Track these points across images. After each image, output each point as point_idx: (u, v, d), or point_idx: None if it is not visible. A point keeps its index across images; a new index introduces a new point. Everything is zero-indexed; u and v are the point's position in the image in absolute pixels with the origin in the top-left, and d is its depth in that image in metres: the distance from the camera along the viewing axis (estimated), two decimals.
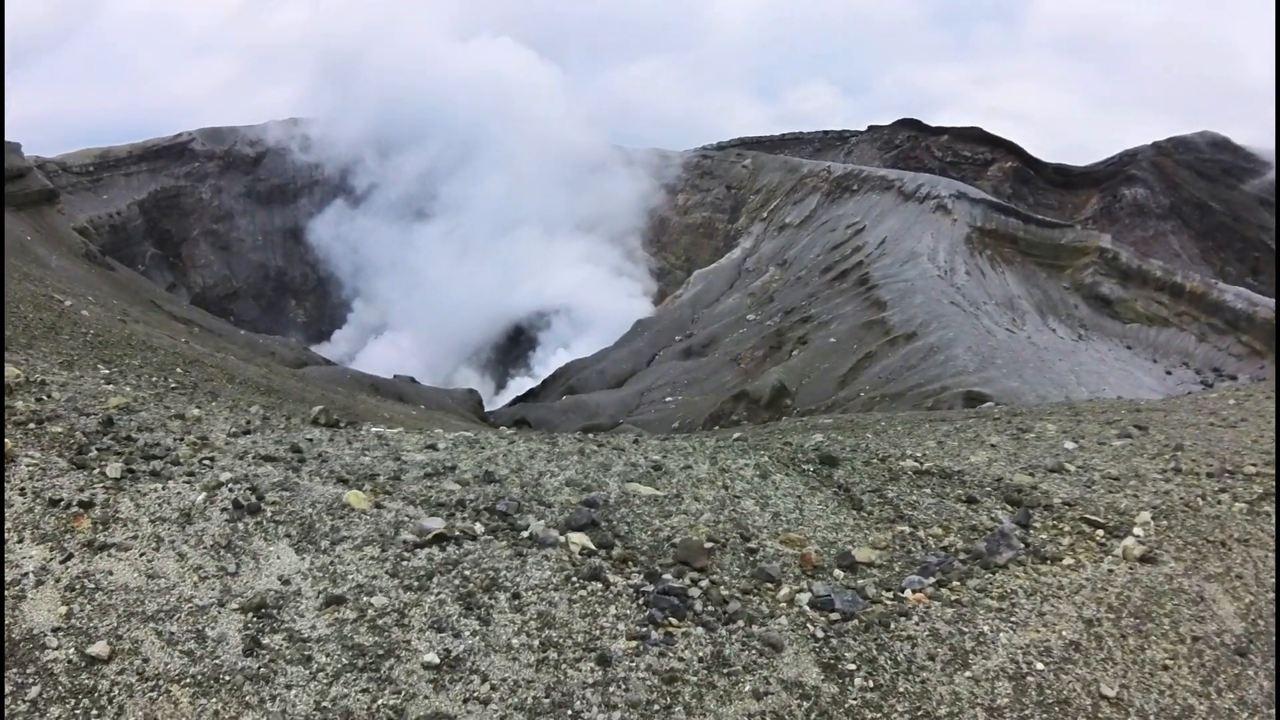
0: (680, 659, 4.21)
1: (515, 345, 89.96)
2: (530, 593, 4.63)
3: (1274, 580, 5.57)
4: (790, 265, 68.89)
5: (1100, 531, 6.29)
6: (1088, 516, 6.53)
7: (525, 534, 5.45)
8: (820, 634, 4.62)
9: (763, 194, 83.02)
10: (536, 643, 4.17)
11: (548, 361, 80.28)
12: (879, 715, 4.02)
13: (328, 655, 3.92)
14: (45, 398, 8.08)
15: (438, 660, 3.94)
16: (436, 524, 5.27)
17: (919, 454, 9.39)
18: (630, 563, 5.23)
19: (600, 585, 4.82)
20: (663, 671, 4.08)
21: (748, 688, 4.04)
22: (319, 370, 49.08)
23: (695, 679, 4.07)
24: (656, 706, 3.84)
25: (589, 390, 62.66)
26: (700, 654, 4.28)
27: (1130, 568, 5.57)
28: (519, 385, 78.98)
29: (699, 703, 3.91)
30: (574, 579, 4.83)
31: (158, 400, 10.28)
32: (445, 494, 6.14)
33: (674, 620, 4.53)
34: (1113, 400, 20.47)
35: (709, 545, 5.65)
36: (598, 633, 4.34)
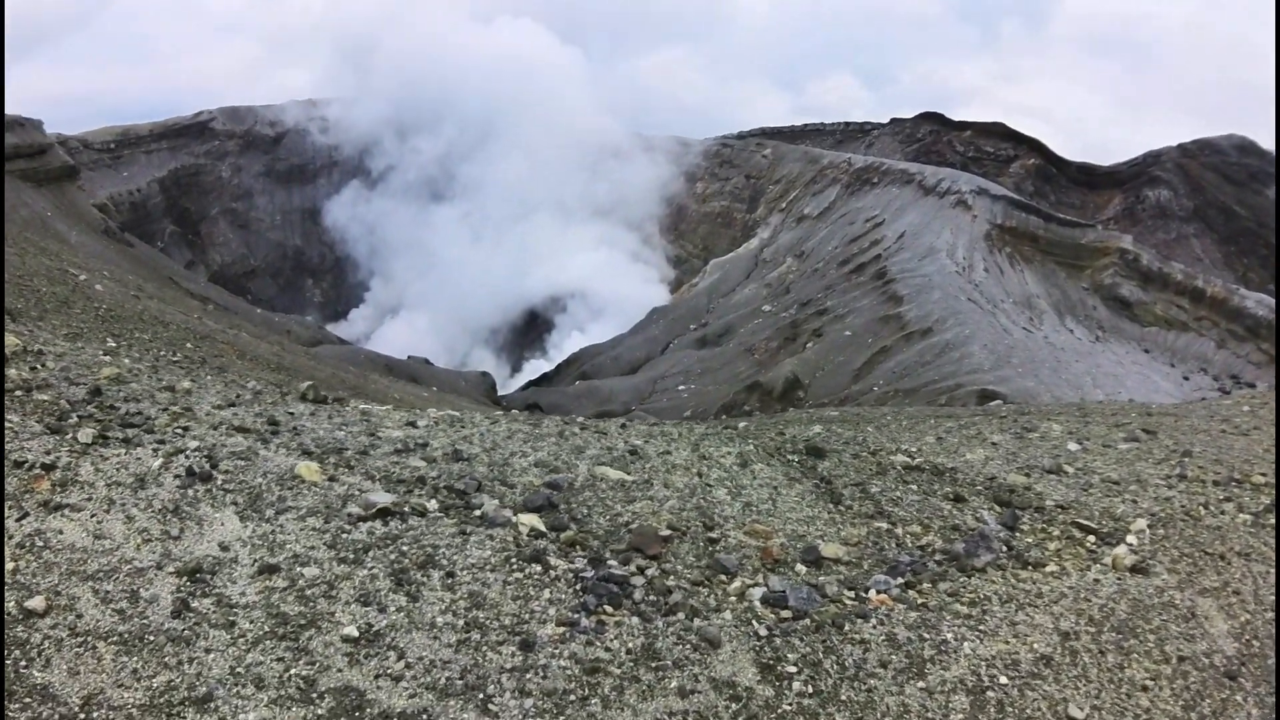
0: (607, 649, 4.05)
1: (531, 328, 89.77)
2: (465, 572, 4.53)
3: (1274, 598, 5.20)
4: (808, 257, 68.26)
5: (1092, 537, 5.93)
6: (1080, 521, 6.16)
7: (477, 513, 5.34)
8: (764, 632, 4.37)
9: (782, 184, 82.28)
10: (461, 623, 4.07)
11: (563, 345, 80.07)
12: None
13: (251, 622, 3.90)
14: (39, 367, 8.08)
15: (357, 634, 3.89)
16: (382, 498, 5.17)
17: (914, 449, 9.05)
18: (578, 546, 5.08)
19: (540, 568, 4.69)
20: (586, 661, 3.93)
21: (674, 684, 3.87)
22: (333, 349, 49.11)
23: (619, 671, 3.90)
24: (572, 697, 3.69)
25: (603, 376, 62.45)
26: (630, 645, 4.11)
27: (1119, 578, 5.21)
28: (535, 368, 78.79)
29: (618, 696, 3.74)
30: (514, 560, 4.72)
31: (153, 372, 10.21)
32: (409, 470, 6.06)
33: (609, 608, 4.37)
34: (1123, 403, 20.01)
35: (666, 533, 5.42)
36: (527, 616, 4.22)
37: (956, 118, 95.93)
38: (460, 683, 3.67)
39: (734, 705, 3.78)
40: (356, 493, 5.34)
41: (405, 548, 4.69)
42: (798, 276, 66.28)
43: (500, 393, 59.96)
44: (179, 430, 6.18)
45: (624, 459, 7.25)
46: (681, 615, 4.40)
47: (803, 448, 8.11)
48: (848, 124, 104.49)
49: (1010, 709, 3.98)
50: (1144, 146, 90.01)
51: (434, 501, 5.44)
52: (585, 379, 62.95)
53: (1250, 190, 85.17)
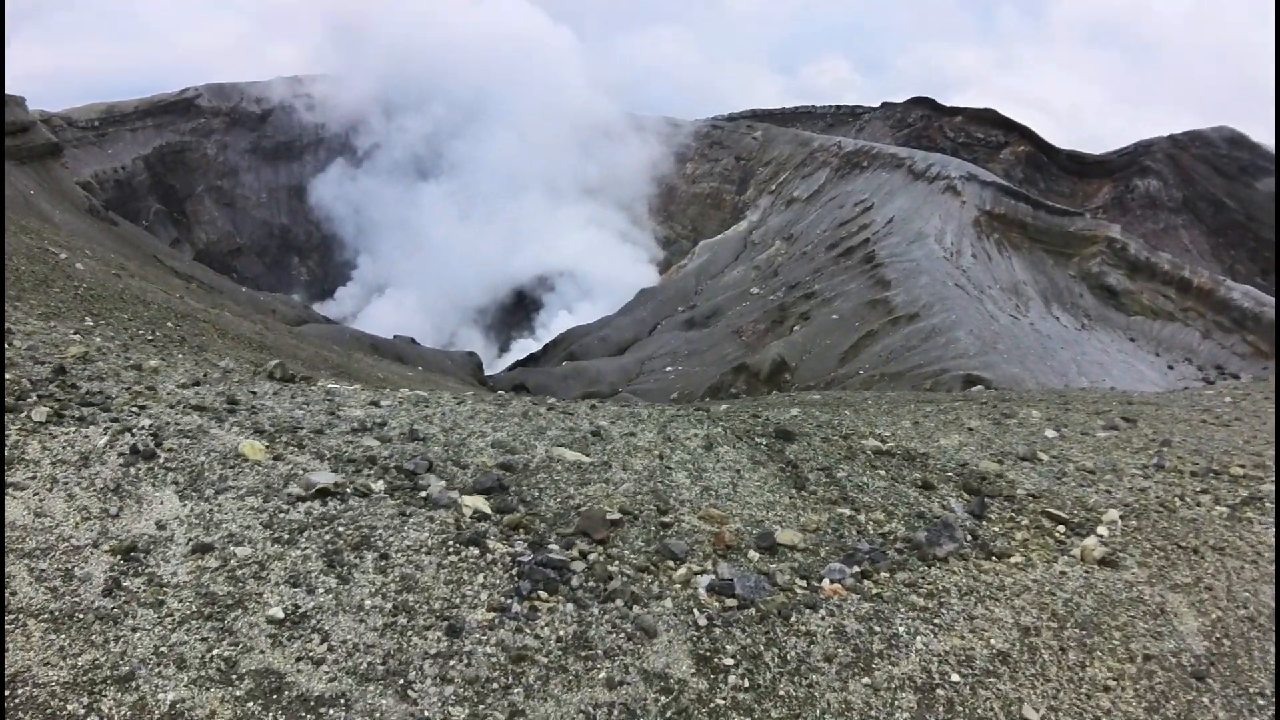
0: (537, 637, 3.92)
1: (520, 308, 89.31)
2: (400, 554, 4.41)
3: (1247, 595, 4.98)
4: (796, 240, 68.00)
5: (1062, 528, 5.70)
6: (1050, 510, 5.93)
7: (423, 494, 5.21)
8: (704, 622, 4.17)
9: (772, 166, 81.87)
10: (390, 606, 3.97)
11: (551, 325, 79.69)
12: (745, 719, 3.56)
13: (180, 601, 3.84)
14: (6, 346, 8.01)
15: (283, 615, 3.81)
16: (324, 478, 5.06)
17: (887, 434, 8.81)
18: (522, 530, 4.92)
19: (477, 551, 4.55)
20: (513, 649, 3.80)
21: (602, 675, 3.72)
22: (318, 328, 48.66)
23: (546, 660, 3.77)
24: (495, 686, 3.58)
25: (590, 357, 62.15)
26: (561, 633, 3.97)
27: (1086, 571, 4.97)
28: (523, 348, 78.33)
29: (543, 686, 3.62)
30: (451, 543, 4.59)
31: (123, 351, 10.10)
32: (361, 450, 5.93)
33: (544, 594, 4.23)
34: (1105, 390, 19.84)
35: (616, 516, 5.20)
36: (458, 601, 4.10)
37: (950, 104, 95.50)
38: (382, 668, 3.57)
39: (664, 698, 3.62)
40: (300, 472, 5.22)
41: (341, 529, 4.57)
42: (786, 259, 66.05)
43: (488, 373, 59.57)
44: (135, 409, 6.08)
45: (585, 440, 7.00)
46: (620, 602, 4.23)
47: (772, 431, 7.85)
48: (839, 107, 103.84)
49: (960, 708, 3.75)
50: (1140, 138, 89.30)
51: (381, 482, 5.31)
52: (573, 360, 62.65)
53: (1240, 183, 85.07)
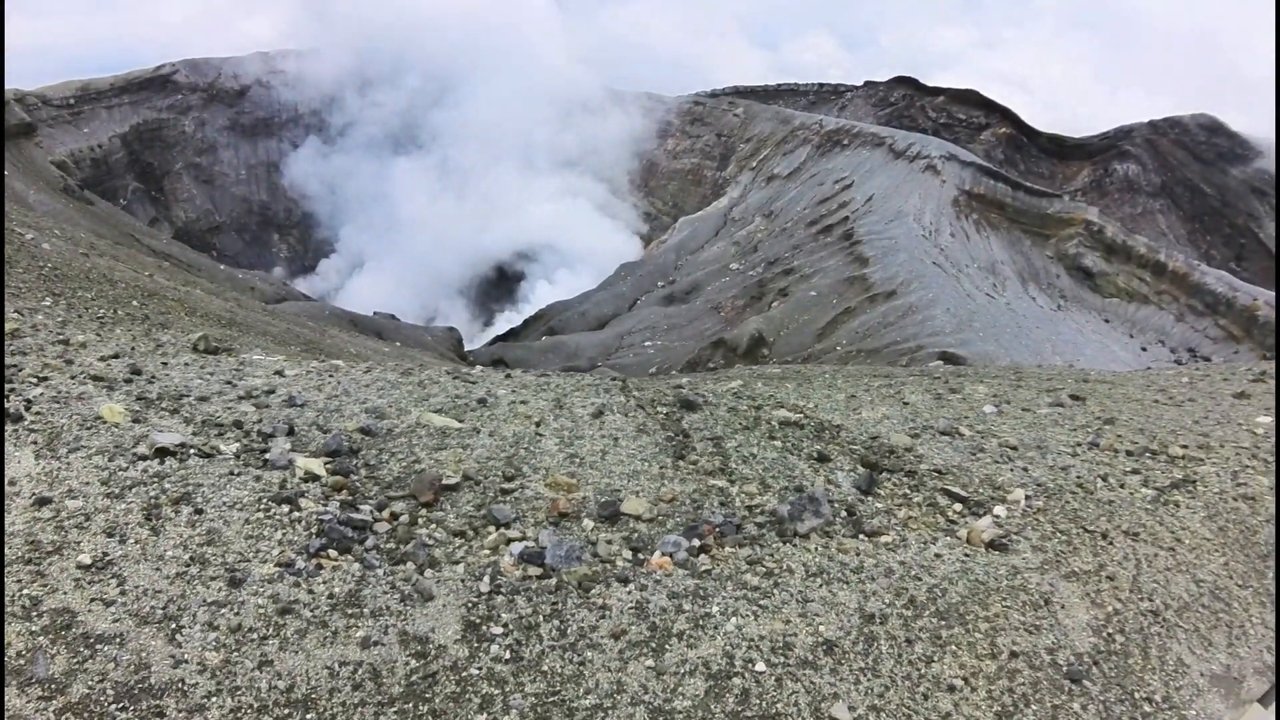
0: (311, 592, 3.89)
1: (503, 280, 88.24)
2: (214, 510, 4.47)
3: (1155, 586, 4.40)
4: (776, 216, 67.32)
5: (958, 506, 5.12)
6: (950, 488, 5.34)
7: (267, 456, 5.25)
8: (486, 589, 4.00)
9: (753, 143, 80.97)
10: (188, 556, 4.03)
11: (536, 299, 78.72)
12: (495, 691, 3.39)
13: (11, 549, 3.93)
14: None
15: (90, 562, 3.91)
16: (168, 439, 5.14)
17: (808, 405, 8.24)
18: (346, 490, 4.91)
19: (287, 509, 4.57)
20: (284, 602, 3.80)
21: (360, 634, 3.68)
22: (296, 305, 47.62)
23: (310, 615, 3.75)
24: (254, 636, 3.58)
25: (570, 331, 61.48)
26: (334, 590, 3.93)
27: (967, 554, 4.39)
28: (509, 321, 77.37)
29: (299, 640, 3.60)
30: (265, 501, 4.62)
31: (60, 328, 10.22)
32: (234, 414, 6.04)
33: (334, 553, 4.21)
34: (1062, 368, 19.31)
35: (453, 481, 5.05)
36: (251, 555, 4.12)
37: (934, 83, 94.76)
38: (161, 612, 3.63)
39: (414, 662, 3.54)
40: (153, 434, 5.28)
41: (168, 485, 4.63)
42: (766, 236, 65.41)
43: (470, 347, 58.90)
44: (35, 379, 6.24)
45: (465, 408, 6.80)
46: (410, 565, 4.16)
47: (675, 400, 7.24)
48: (821, 85, 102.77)
49: (755, 701, 3.32)
50: (1120, 121, 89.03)
51: (237, 444, 5.36)
52: (553, 334, 61.99)
53: (1217, 169, 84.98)
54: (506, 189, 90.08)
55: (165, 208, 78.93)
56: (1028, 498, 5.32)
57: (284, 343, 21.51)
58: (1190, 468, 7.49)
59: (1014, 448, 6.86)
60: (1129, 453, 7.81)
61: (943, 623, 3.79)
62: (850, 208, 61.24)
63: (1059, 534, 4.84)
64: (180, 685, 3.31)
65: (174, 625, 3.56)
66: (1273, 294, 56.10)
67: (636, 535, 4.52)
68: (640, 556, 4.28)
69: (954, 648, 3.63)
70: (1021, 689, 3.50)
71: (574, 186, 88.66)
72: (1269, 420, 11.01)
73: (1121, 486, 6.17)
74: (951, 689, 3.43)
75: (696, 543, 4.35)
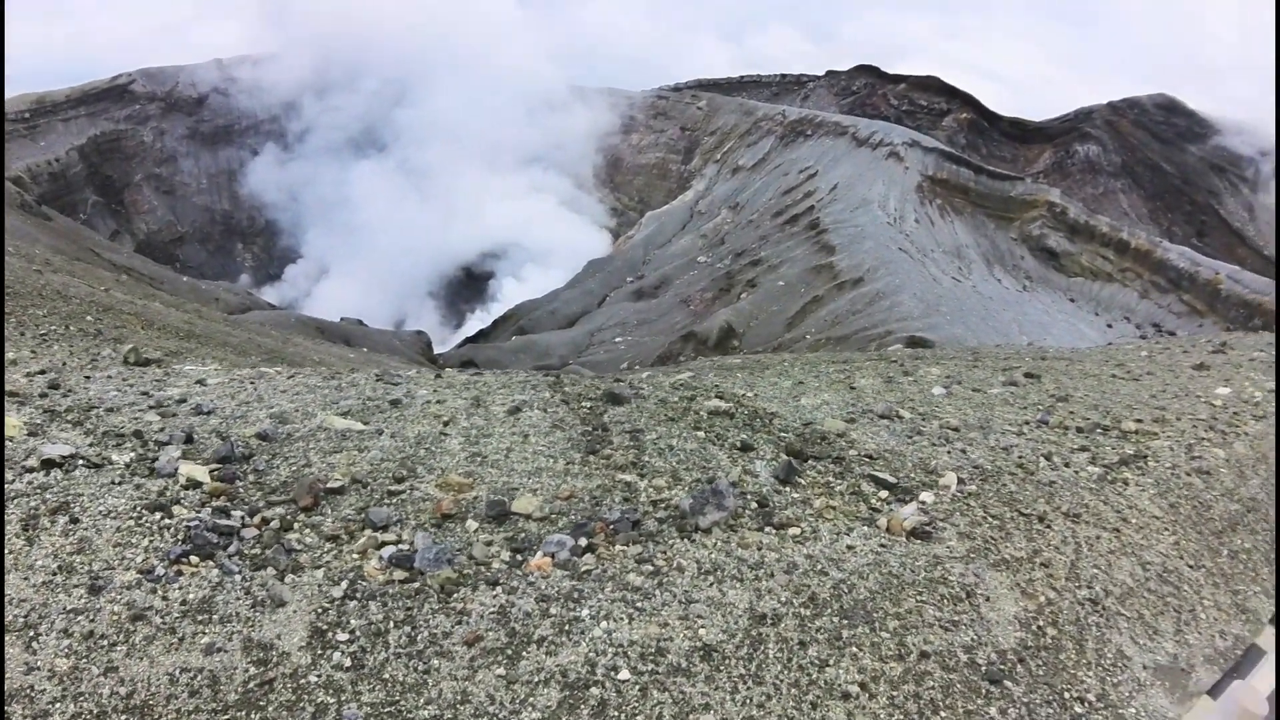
0: (165, 599, 3.76)
1: (473, 281, 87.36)
2: (89, 519, 4.33)
3: (1095, 572, 4.03)
4: (742, 208, 67.09)
5: (884, 493, 4.73)
6: (877, 474, 4.94)
7: (153, 464, 5.06)
8: (340, 594, 3.83)
9: (717, 136, 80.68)
10: (56, 565, 3.91)
11: (505, 298, 77.96)
12: (330, 699, 3.27)
13: None
14: None
15: None
16: (55, 450, 4.99)
17: (751, 394, 7.86)
18: (224, 497, 4.72)
19: (160, 516, 4.40)
20: (138, 609, 3.68)
21: (205, 640, 3.55)
22: (262, 315, 46.68)
23: (160, 621, 3.62)
24: (104, 642, 3.48)
25: (540, 330, 60.97)
26: (189, 597, 3.79)
27: (883, 544, 4.01)
28: (480, 321, 76.58)
29: (146, 646, 3.48)
30: (139, 509, 4.45)
31: None
32: (137, 424, 5.84)
33: (195, 559, 4.07)
34: (1021, 347, 19.07)
35: (338, 484, 4.83)
36: (116, 562, 3.98)
37: (895, 72, 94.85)
38: (23, 620, 3.54)
39: (253, 669, 3.41)
40: (43, 446, 5.09)
41: (49, 496, 4.49)
42: (733, 228, 65.17)
43: (441, 350, 58.27)
44: None
45: (375, 409, 6.44)
46: (270, 570, 4.00)
47: (600, 394, 6.83)
48: (784, 76, 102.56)
49: (614, 712, 3.03)
50: (1081, 104, 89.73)
51: (131, 454, 5.16)
52: (523, 334, 61.44)
53: (1177, 148, 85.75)
54: (471, 188, 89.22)
55: (127, 220, 77.20)
56: (961, 481, 4.95)
57: (244, 353, 21.14)
58: (1143, 443, 7.19)
59: (955, 429, 6.49)
60: (1080, 429, 7.49)
61: (845, 622, 3.42)
62: (815, 197, 61.15)
63: (990, 519, 4.46)
64: (29, 692, 3.24)
65: (32, 633, 3.49)
66: (1235, 267, 56.87)
67: (523, 535, 4.22)
68: (520, 558, 3.99)
69: (855, 649, 3.26)
70: (930, 694, 3.12)
71: (539, 183, 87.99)
72: (1227, 391, 10.78)
73: (1067, 465, 5.82)
74: (846, 696, 3.06)
75: (584, 542, 4.05)
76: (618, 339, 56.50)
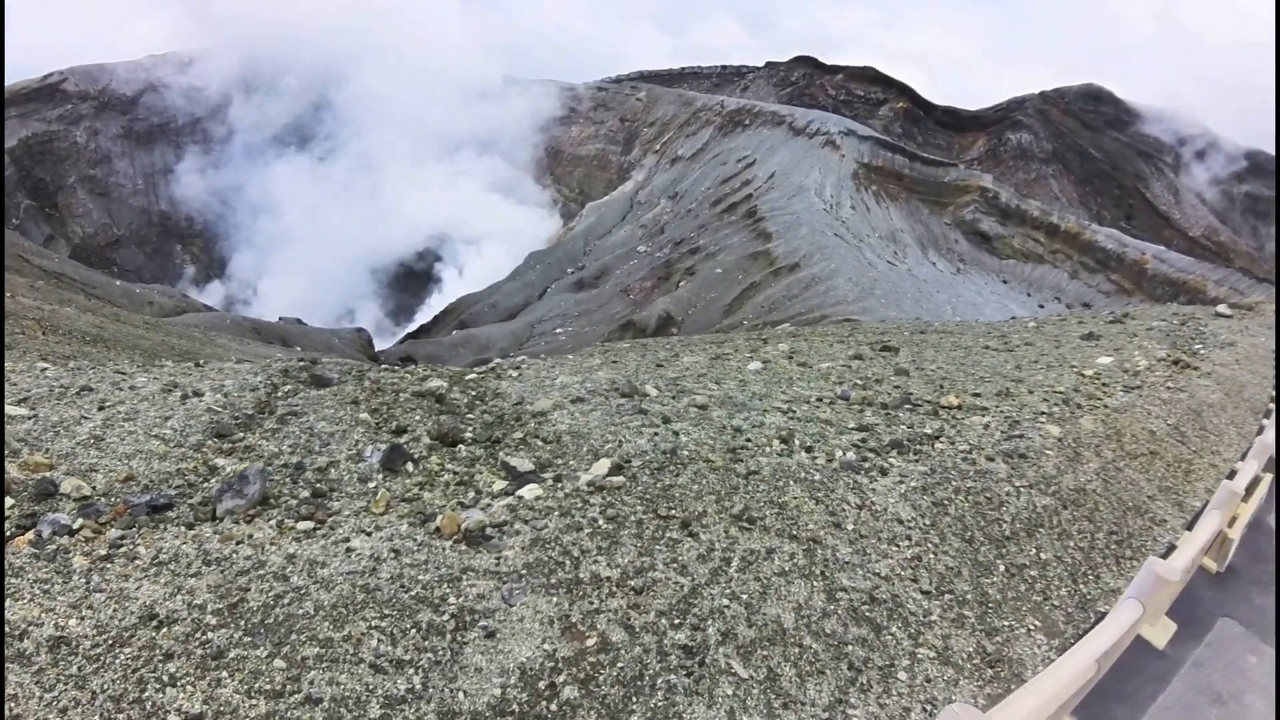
0: None
1: (413, 276, 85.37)
2: None
3: (708, 613, 2.90)
4: (681, 198, 66.22)
5: (503, 484, 3.64)
6: (512, 460, 3.84)
7: None
8: None
9: (656, 127, 79.69)
10: None
11: (447, 291, 76.36)
12: None
13: None
14: None
15: None
16: None
17: (515, 374, 6.70)
18: None
19: None
20: None
21: None
22: (196, 317, 44.84)
23: None
24: None
25: (481, 324, 59.61)
26: None
27: (401, 549, 3.01)
28: (425, 315, 74.90)
29: None
30: None
31: None
32: None
33: None
34: (904, 320, 18.13)
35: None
36: None
37: (835, 62, 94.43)
38: None
39: None
40: None
41: None
42: (672, 217, 64.26)
43: (384, 345, 56.80)
44: None
45: (62, 396, 5.60)
46: None
47: (304, 375, 5.69)
48: (724, 67, 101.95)
49: None
50: (1014, 92, 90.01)
51: None
52: (464, 328, 60.00)
53: (1105, 135, 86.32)
54: (409, 182, 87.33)
55: (61, 224, 73.86)
56: (618, 468, 3.83)
57: (154, 356, 20.14)
58: (955, 420, 6.08)
59: (703, 407, 5.43)
60: (885, 406, 6.46)
61: (248, 639, 2.39)
62: (753, 185, 60.46)
63: (592, 525, 3.34)
64: None
65: None
66: (1160, 248, 57.17)
67: (50, 517, 3.59)
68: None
69: (226, 674, 2.30)
70: None
71: (478, 175, 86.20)
72: (1108, 361, 9.91)
73: (808, 451, 4.71)
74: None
75: (80, 522, 3.58)
76: (558, 330, 55.42)
